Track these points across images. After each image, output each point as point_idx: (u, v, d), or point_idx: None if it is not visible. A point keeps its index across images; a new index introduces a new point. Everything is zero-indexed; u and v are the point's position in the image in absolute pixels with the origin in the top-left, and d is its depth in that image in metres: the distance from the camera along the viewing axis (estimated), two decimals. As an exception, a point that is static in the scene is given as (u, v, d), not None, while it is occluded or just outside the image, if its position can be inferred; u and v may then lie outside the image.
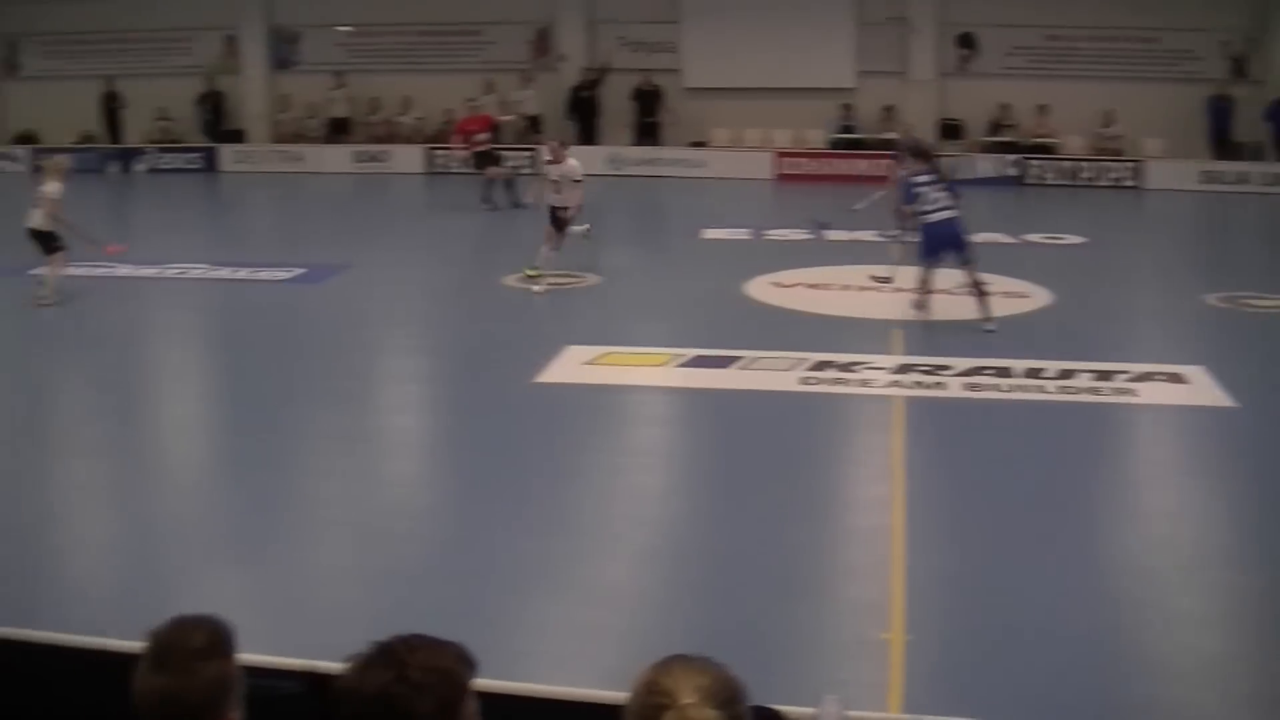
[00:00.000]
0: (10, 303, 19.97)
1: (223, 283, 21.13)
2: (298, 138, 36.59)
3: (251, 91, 37.15)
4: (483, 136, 29.24)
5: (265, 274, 21.41)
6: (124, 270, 21.82)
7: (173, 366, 17.51)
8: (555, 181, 20.78)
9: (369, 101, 35.95)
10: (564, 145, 21.65)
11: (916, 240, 17.87)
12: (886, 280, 18.73)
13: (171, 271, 21.83)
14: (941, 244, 17.11)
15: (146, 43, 37.51)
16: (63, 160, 21.99)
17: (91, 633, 6.44)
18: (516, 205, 28.18)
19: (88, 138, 37.75)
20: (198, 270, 21.91)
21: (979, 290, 16.90)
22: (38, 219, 19.78)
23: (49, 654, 6.32)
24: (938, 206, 17.12)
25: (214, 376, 16.96)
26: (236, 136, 37.05)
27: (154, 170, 36.45)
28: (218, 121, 37.08)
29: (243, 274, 21.53)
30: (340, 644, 5.47)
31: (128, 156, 36.88)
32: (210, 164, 36.31)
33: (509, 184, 28.81)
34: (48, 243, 19.73)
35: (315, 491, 12.37)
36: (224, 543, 11.17)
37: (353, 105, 36.27)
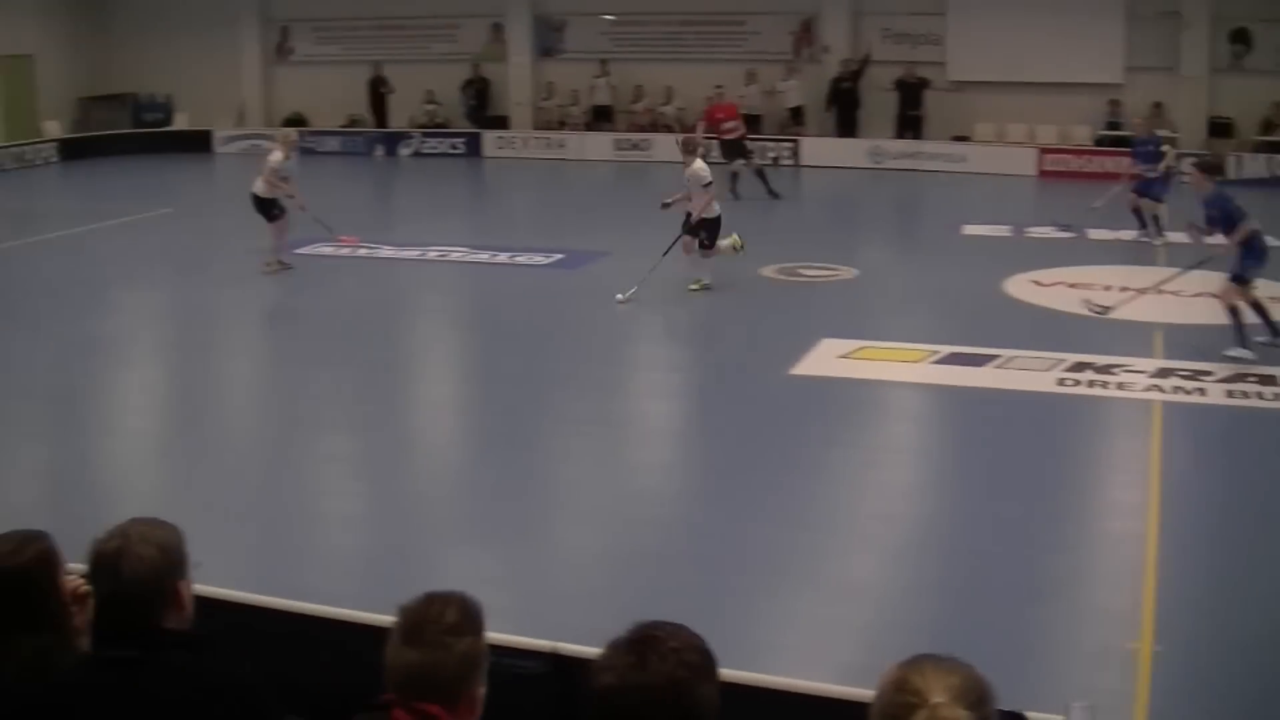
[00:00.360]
0: (265, 277, 20.52)
1: (482, 266, 21.43)
2: (560, 124, 36.93)
3: (516, 78, 37.57)
4: (730, 125, 29.11)
5: (524, 259, 21.66)
6: (387, 251, 22.30)
7: (430, 347, 17.82)
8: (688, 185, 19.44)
9: (632, 90, 36.13)
10: (690, 146, 20.30)
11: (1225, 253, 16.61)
12: (1105, 310, 17.53)
13: (433, 254, 22.20)
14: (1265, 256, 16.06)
15: (414, 29, 38.15)
16: (290, 133, 22.90)
17: (345, 604, 6.57)
18: (772, 195, 28.17)
19: (354, 121, 38.59)
20: (458, 253, 22.24)
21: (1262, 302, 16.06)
22: (259, 186, 20.96)
23: (305, 623, 6.47)
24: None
25: (470, 358, 17.21)
26: (500, 122, 37.51)
27: (418, 154, 37.09)
28: (482, 107, 37.58)
29: (502, 258, 21.81)
30: (583, 626, 5.51)
31: (393, 140, 37.60)
32: (473, 149, 36.83)
33: (759, 174, 28.76)
34: (267, 210, 20.62)
35: (565, 475, 12.49)
36: (473, 522, 11.34)
37: (615, 93, 36.49)
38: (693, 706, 3.24)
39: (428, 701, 3.65)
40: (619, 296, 18.51)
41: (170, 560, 4.22)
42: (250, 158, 36.88)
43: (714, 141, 28.86)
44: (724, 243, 19.64)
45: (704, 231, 19.30)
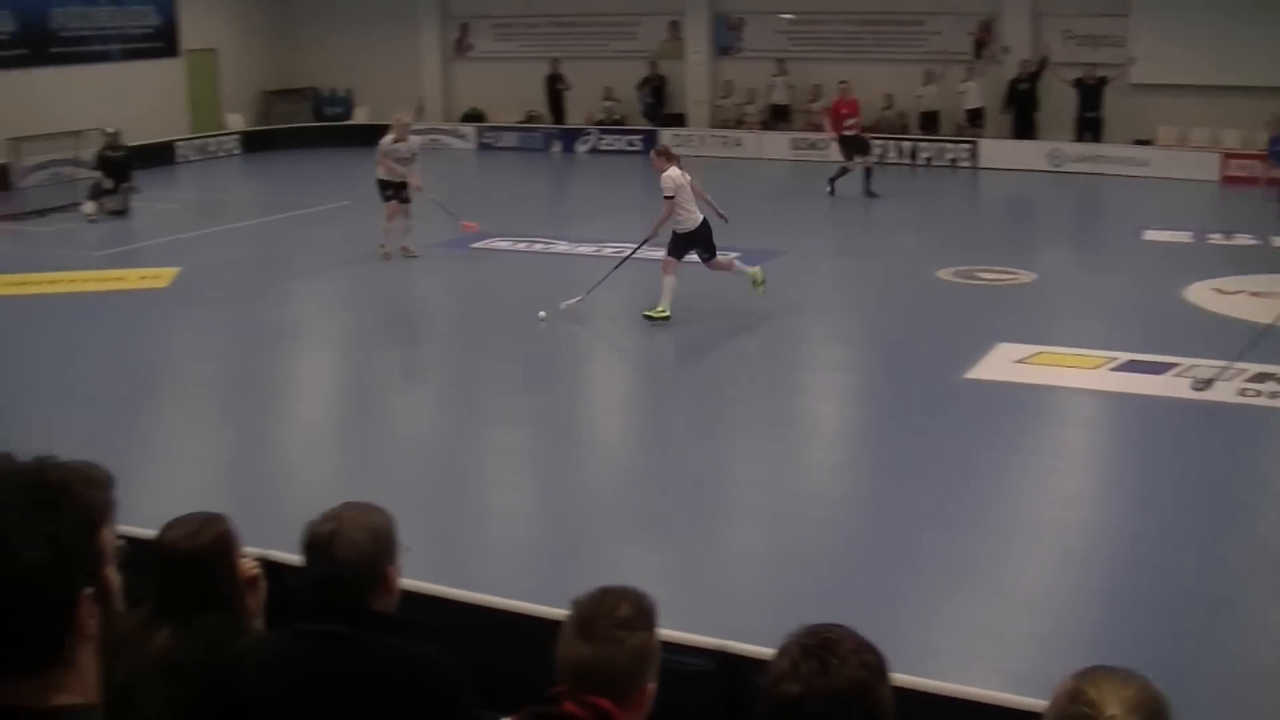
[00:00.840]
0: (451, 275, 20.73)
1: (655, 264, 21.43)
2: (737, 123, 36.90)
3: (693, 76, 37.59)
4: (852, 121, 29.02)
5: (694, 258, 21.61)
6: (561, 247, 22.42)
7: (602, 343, 17.88)
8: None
9: (810, 89, 36.00)
10: (663, 155, 18.57)
11: None
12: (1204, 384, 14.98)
13: (608, 250, 22.27)
14: None
15: (592, 26, 38.32)
16: (401, 116, 23.54)
17: (516, 597, 6.63)
18: (869, 195, 28.07)
19: (532, 118, 38.85)
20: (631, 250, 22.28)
21: None
22: (379, 171, 21.83)
23: (477, 614, 6.54)
24: None
25: (641, 354, 17.25)
26: (677, 120, 37.56)
27: (594, 151, 37.27)
28: (659, 105, 37.65)
29: (677, 256, 21.79)
30: (750, 626, 5.52)
31: (570, 137, 37.80)
32: (650, 147, 36.77)
33: (867, 171, 28.61)
34: (381, 192, 21.31)
35: (737, 474, 12.51)
36: (644, 518, 11.39)
37: (793, 93, 36.38)
38: (876, 708, 3.22)
39: (598, 695, 3.67)
40: (541, 314, 17.75)
41: (381, 545, 4.36)
42: (429, 151, 37.38)
43: (835, 138, 28.83)
44: (750, 268, 18.37)
45: (695, 245, 18.00)
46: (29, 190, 29.18)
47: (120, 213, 27.41)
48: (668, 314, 17.49)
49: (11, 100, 31.69)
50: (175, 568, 4.57)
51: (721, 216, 18.44)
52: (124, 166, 27.58)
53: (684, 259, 17.94)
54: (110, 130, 27.67)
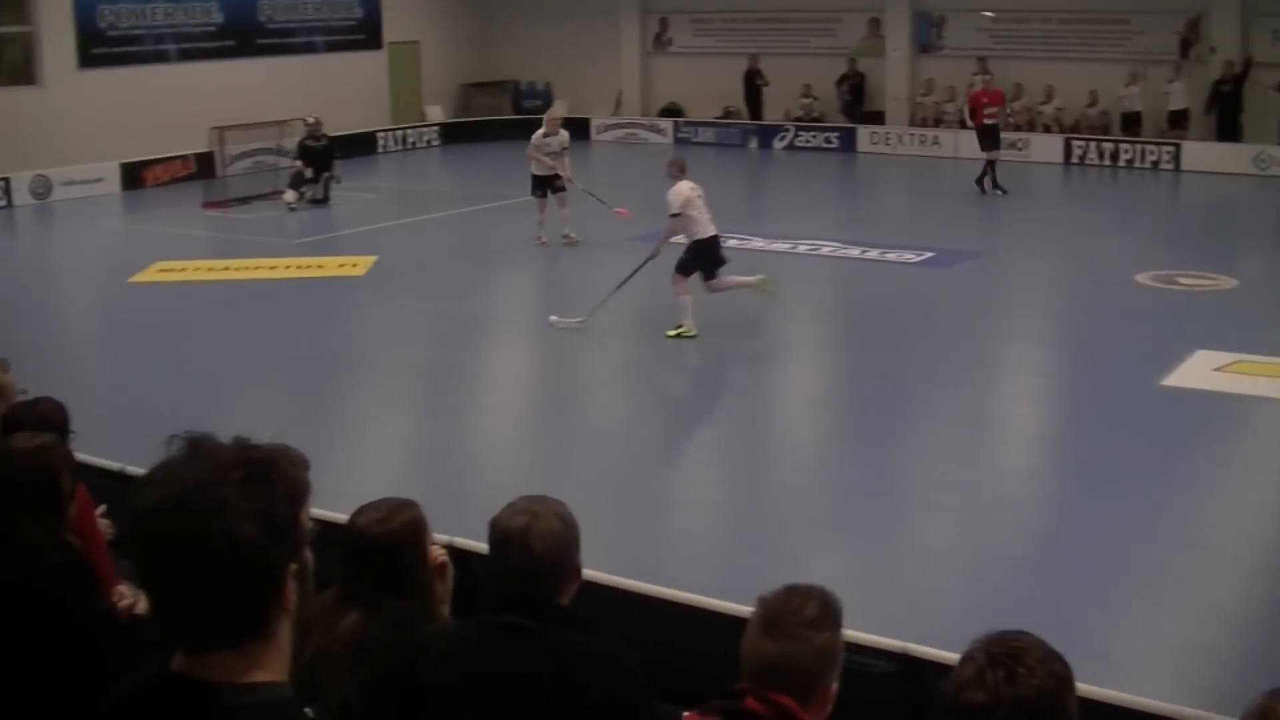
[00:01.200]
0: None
1: (851, 261, 21.39)
2: (935, 122, 36.55)
3: (893, 74, 37.29)
4: (992, 111, 28.63)
5: (894, 255, 21.53)
6: (757, 244, 22.39)
7: (796, 341, 17.84)
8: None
9: (1011, 88, 35.52)
10: (675, 167, 17.56)
11: None
12: None
13: (803, 247, 22.23)
14: None
15: (792, 22, 38.19)
16: (552, 110, 24.70)
17: (700, 591, 6.64)
18: (997, 189, 27.66)
19: (729, 113, 38.82)
20: (828, 247, 22.23)
21: None
22: (531, 165, 22.81)
23: (657, 606, 6.56)
24: None
25: (836, 353, 17.20)
26: (875, 118, 37.31)
27: (791, 148, 37.14)
28: (857, 102, 37.43)
29: (872, 254, 21.72)
30: (934, 629, 5.48)
31: (767, 133, 37.71)
32: (847, 144, 36.69)
33: (992, 166, 28.20)
34: (533, 187, 22.61)
35: (924, 475, 12.43)
36: (832, 517, 11.36)
37: (993, 92, 35.97)
38: (1062, 718, 3.18)
39: (781, 693, 3.66)
40: (553, 319, 17.47)
41: (573, 536, 4.40)
42: (626, 146, 37.58)
43: (974, 129, 28.46)
44: (750, 279, 17.28)
45: (688, 257, 17.07)
46: (232, 178, 29.79)
47: (320, 201, 27.90)
48: (693, 332, 16.68)
49: (218, 90, 32.40)
50: (365, 552, 4.64)
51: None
52: (325, 156, 28.07)
53: (690, 275, 16.98)
54: (311, 120, 28.16)
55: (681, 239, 17.17)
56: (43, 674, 4.75)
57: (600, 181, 32.30)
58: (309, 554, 2.66)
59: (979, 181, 28.00)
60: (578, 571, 4.42)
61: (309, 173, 27.78)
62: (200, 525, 2.44)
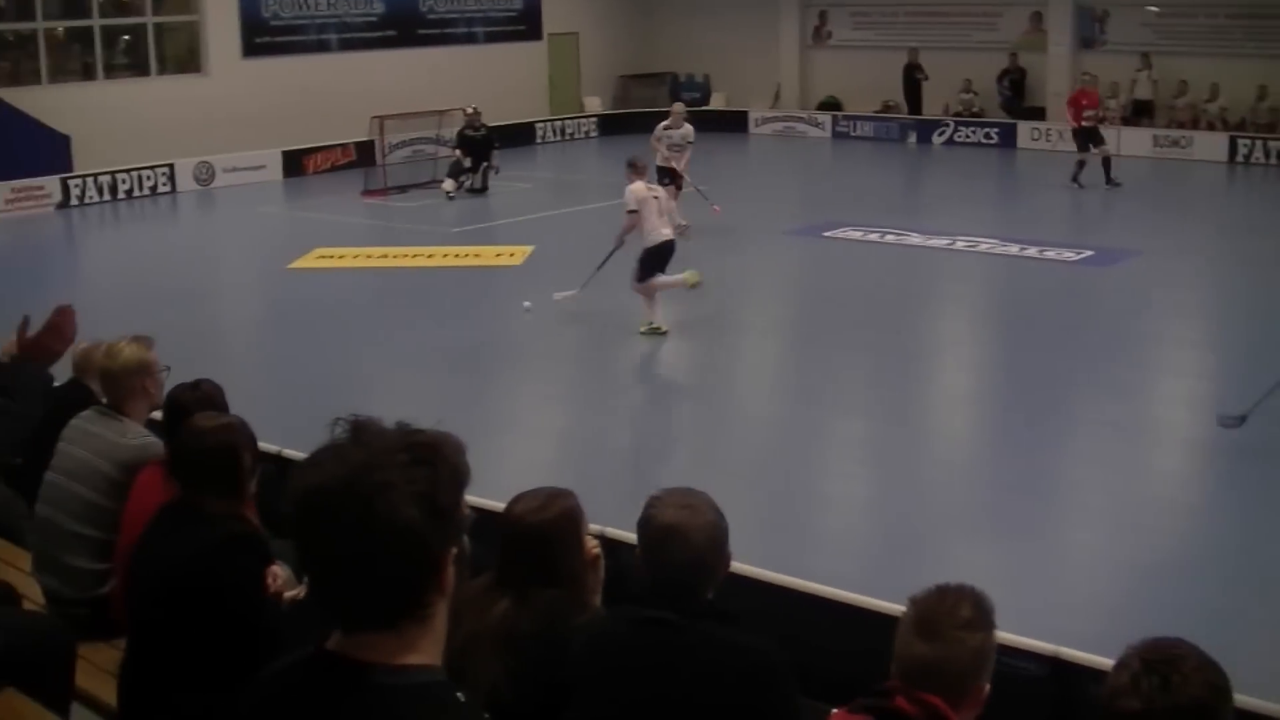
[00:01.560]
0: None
1: (1009, 258, 21.17)
2: (1098, 119, 36.03)
3: (1054, 69, 36.79)
4: (1091, 113, 28.33)
5: (1052, 253, 21.26)
6: (913, 239, 22.25)
7: (951, 337, 17.71)
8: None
9: (1175, 84, 34.96)
10: (631, 168, 17.50)
11: None
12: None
13: (960, 244, 22.03)
14: None
15: (953, 16, 37.87)
16: (677, 106, 24.46)
17: (848, 587, 6.59)
18: (1111, 184, 27.40)
19: (888, 107, 38.57)
20: (986, 244, 21.99)
21: None
22: (655, 157, 22.86)
23: (804, 601, 6.52)
24: None
25: (991, 350, 17.04)
26: (1036, 114, 36.87)
27: (950, 143, 36.82)
28: (1017, 97, 37.03)
29: (1030, 251, 21.45)
30: (1085, 633, 5.39)
31: (926, 128, 37.41)
32: (1007, 140, 36.29)
33: (1105, 162, 27.89)
34: (659, 177, 22.10)
35: (1080, 476, 12.26)
36: (982, 516, 11.25)
37: (1156, 88, 35.36)
38: None
39: (932, 693, 3.62)
40: (526, 304, 17.81)
41: (725, 529, 4.42)
42: (784, 139, 37.49)
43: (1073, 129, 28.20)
44: (677, 277, 16.94)
45: (638, 262, 16.97)
46: (392, 167, 30.10)
47: (479, 191, 28.15)
48: (663, 329, 16.85)
49: (378, 80, 32.80)
50: (521, 540, 4.67)
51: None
52: (484, 146, 28.31)
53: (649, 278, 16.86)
54: (471, 110, 28.39)
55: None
56: (215, 635, 5.09)
57: (756, 174, 32.37)
58: (466, 541, 2.67)
59: (1075, 179, 27.78)
60: (728, 564, 4.45)
61: (467, 162, 28.05)
62: (364, 506, 2.48)
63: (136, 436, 6.54)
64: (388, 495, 2.49)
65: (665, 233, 17.02)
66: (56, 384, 8.58)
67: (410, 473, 2.52)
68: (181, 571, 5.17)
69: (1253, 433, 13.03)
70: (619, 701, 4.30)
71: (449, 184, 27.93)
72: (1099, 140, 28.49)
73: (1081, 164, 27.88)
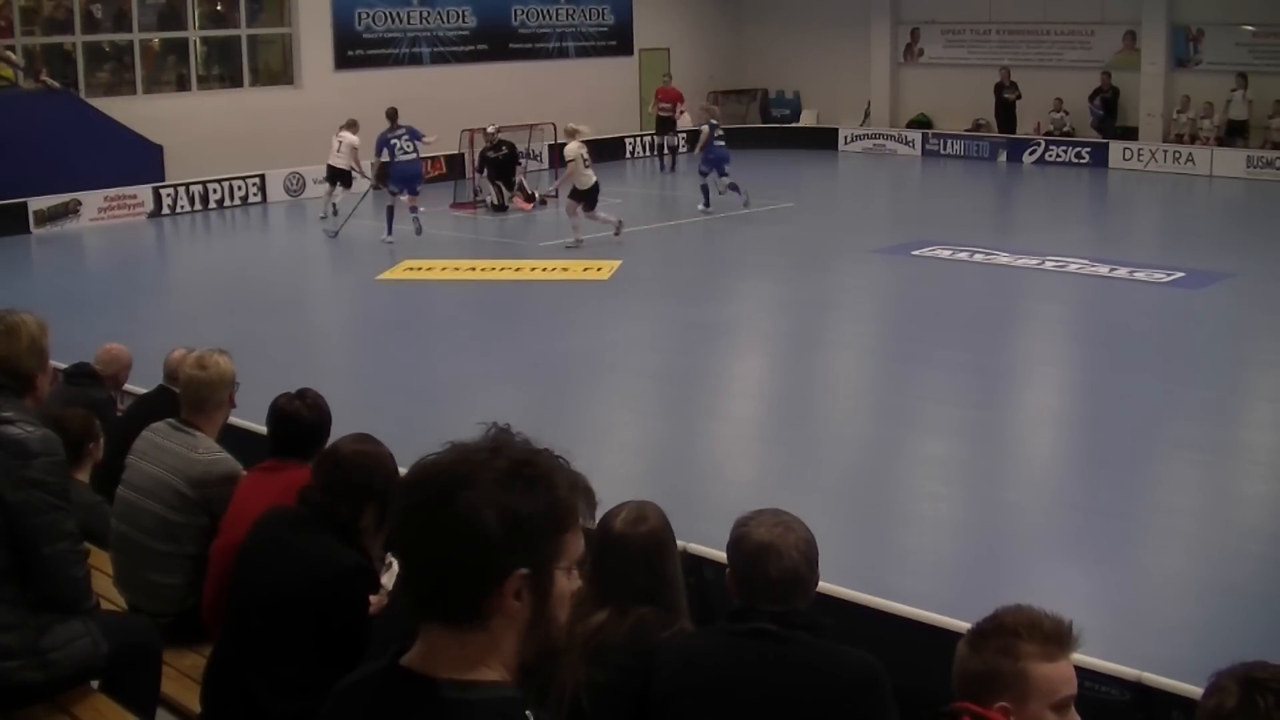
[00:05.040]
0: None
1: (1099, 279, 21.02)
2: (1191, 138, 35.72)
3: (1148, 89, 36.53)
4: None
5: (1142, 274, 21.09)
6: (1002, 259, 22.15)
7: (1038, 357, 17.58)
8: None
9: (1272, 105, 34.62)
10: (569, 132, 24.90)
11: None
12: None
13: (1050, 263, 21.90)
14: None
15: (1045, 34, 37.66)
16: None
17: (927, 607, 6.56)
18: None
19: (979, 125, 38.40)
20: (1075, 264, 21.85)
21: None
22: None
23: (892, 623, 6.50)
24: None
25: (1079, 371, 16.91)
26: (1128, 133, 36.61)
27: (1041, 162, 36.60)
28: (1110, 117, 36.77)
29: (1120, 273, 21.28)
30: (1169, 658, 5.35)
31: (1017, 147, 37.21)
32: (1099, 160, 36.04)
33: None
34: None
35: (1168, 501, 12.15)
36: (1066, 538, 11.16)
37: (1252, 108, 35.03)
38: None
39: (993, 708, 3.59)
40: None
41: (816, 546, 4.52)
42: (874, 157, 37.43)
43: None
44: (611, 216, 24.18)
45: (583, 200, 23.79)
46: (480, 180, 30.23)
47: (499, 209, 28.49)
48: (580, 241, 23.66)
49: (469, 93, 33.00)
50: (620, 554, 4.70)
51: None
52: (506, 166, 28.73)
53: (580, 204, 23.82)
54: (491, 129, 28.57)
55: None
56: (312, 649, 5.22)
57: (845, 192, 32.30)
58: (568, 580, 2.71)
59: None
60: (818, 580, 4.54)
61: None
62: (447, 497, 2.58)
63: (208, 452, 6.57)
64: (471, 495, 2.57)
65: (592, 178, 23.88)
66: (144, 390, 8.68)
67: (505, 484, 2.59)
68: (297, 589, 5.26)
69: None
70: (720, 713, 4.34)
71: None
72: None
73: None
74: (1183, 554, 10.90)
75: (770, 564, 4.36)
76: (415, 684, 2.65)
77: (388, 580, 5.69)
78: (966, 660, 3.64)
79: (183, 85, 31.55)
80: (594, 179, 23.82)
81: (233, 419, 7.15)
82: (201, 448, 6.57)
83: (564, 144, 24.64)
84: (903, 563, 10.67)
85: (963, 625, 5.90)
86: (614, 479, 11.28)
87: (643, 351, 17.25)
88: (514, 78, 34.98)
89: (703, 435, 14.42)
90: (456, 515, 2.55)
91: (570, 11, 37.85)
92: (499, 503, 2.56)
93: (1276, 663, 3.22)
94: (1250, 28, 34.93)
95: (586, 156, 23.99)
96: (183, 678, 6.14)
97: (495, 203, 28.64)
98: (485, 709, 2.62)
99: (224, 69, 32.52)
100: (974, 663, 3.61)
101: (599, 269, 21.80)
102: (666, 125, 36.73)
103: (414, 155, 25.42)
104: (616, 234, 23.83)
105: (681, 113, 36.68)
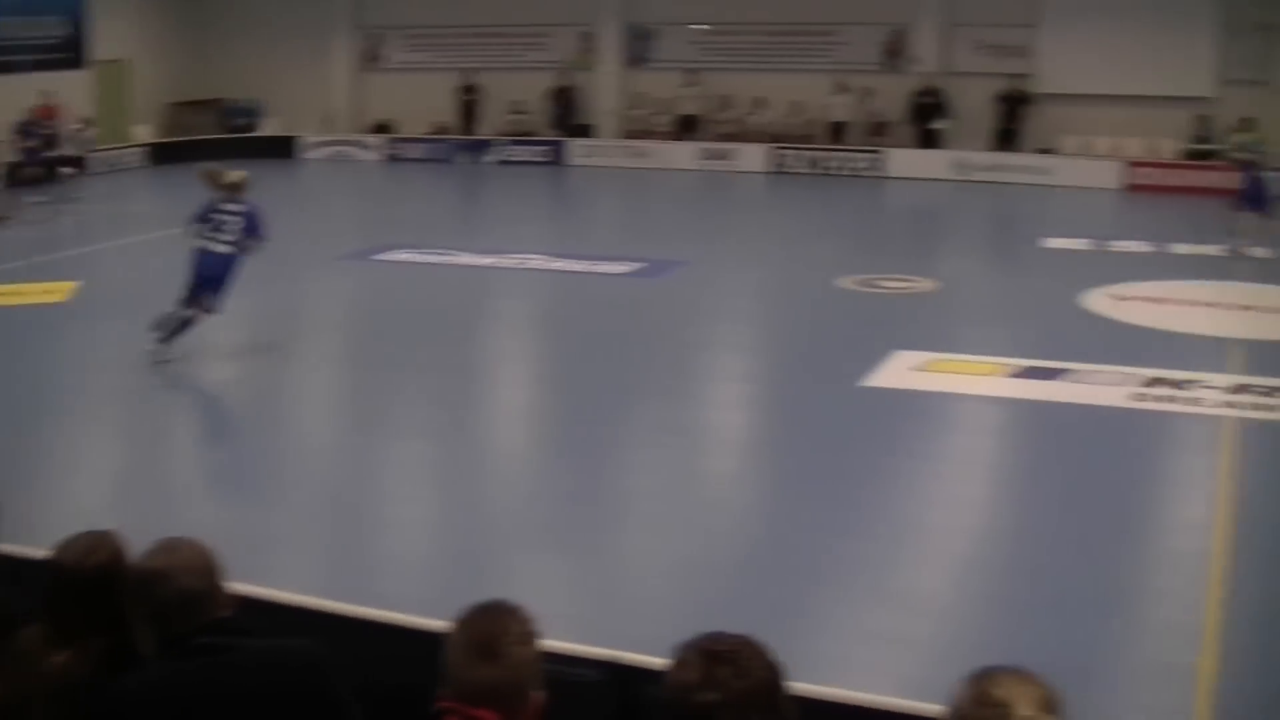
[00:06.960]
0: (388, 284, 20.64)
1: (561, 274, 21.50)
2: (646, 134, 36.90)
3: (604, 87, 37.60)
4: None
5: (604, 267, 21.70)
6: (464, 259, 22.41)
7: (503, 354, 17.88)
8: None
9: (720, 100, 36.08)
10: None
11: None
12: None
13: (510, 261, 22.27)
14: None
15: (504, 37, 38.32)
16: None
17: (404, 609, 6.64)
18: None
19: (441, 129, 38.76)
20: (536, 260, 22.31)
21: None
22: None
23: (354, 626, 6.54)
24: None
25: (544, 365, 17.26)
26: (586, 131, 37.58)
27: (503, 162, 37.21)
28: (568, 116, 37.67)
29: (581, 266, 21.85)
30: (645, 635, 5.54)
31: (479, 148, 37.74)
32: (558, 157, 36.92)
33: None
34: None
35: (633, 484, 12.50)
36: (540, 528, 11.36)
37: (703, 103, 36.43)
38: (786, 709, 3.29)
39: (485, 707, 3.66)
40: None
41: (209, 563, 4.40)
42: (336, 163, 37.32)
43: None
44: None
45: None
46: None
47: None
48: None
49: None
50: (73, 587, 4.55)
51: None
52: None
53: None
54: None
55: None
56: None
57: (306, 200, 32.11)
58: None
59: None
60: (224, 587, 4.42)
61: None
62: None
63: None
64: None
65: None
66: None
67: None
68: None
69: (792, 430, 13.58)
70: None
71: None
72: None
73: None
74: (652, 534, 11.18)
75: (160, 587, 4.27)
76: None
77: None
78: (473, 669, 3.71)
79: None
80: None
81: None
82: None
83: None
84: (383, 567, 10.67)
85: (426, 623, 6.00)
86: (76, 510, 10.89)
87: (104, 372, 16.62)
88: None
89: (166, 455, 14.03)
90: None
91: (22, 24, 36.17)
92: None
93: (725, 633, 3.39)
94: (703, 27, 36.33)
95: None
96: None
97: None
98: None
99: None
100: (484, 671, 3.68)
101: (52, 291, 20.95)
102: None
103: None
104: None
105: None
